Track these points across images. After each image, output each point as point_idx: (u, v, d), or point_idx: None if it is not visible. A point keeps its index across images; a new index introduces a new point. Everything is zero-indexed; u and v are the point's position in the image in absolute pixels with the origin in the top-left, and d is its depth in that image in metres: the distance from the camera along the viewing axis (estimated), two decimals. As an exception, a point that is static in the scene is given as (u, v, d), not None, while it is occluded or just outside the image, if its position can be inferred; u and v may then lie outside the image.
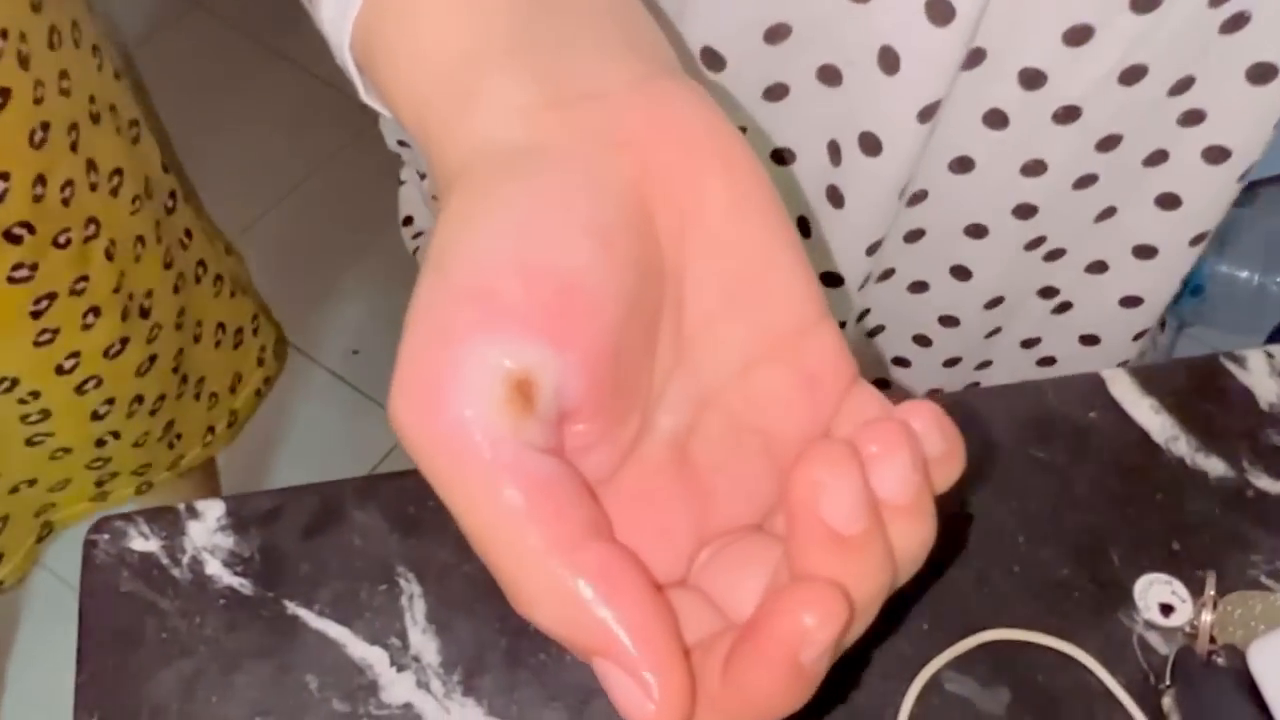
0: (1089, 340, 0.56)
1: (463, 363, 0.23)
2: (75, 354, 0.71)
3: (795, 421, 0.27)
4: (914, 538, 0.23)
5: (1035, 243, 0.51)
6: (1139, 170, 0.47)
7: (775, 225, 0.26)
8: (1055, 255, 0.52)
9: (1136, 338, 0.56)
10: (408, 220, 0.69)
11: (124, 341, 0.74)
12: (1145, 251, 0.50)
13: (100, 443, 0.78)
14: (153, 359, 0.77)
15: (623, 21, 0.28)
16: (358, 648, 0.39)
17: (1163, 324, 0.60)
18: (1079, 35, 0.40)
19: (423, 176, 0.66)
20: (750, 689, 0.22)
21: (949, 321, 0.56)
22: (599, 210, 0.24)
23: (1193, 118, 0.44)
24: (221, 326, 0.87)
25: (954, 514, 0.43)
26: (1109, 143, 0.45)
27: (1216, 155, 0.45)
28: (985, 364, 0.60)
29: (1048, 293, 0.54)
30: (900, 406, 0.24)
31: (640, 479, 0.26)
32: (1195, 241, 0.49)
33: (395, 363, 0.24)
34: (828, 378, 0.27)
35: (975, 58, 0.41)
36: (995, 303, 0.55)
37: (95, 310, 0.70)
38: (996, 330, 0.57)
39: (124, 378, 0.75)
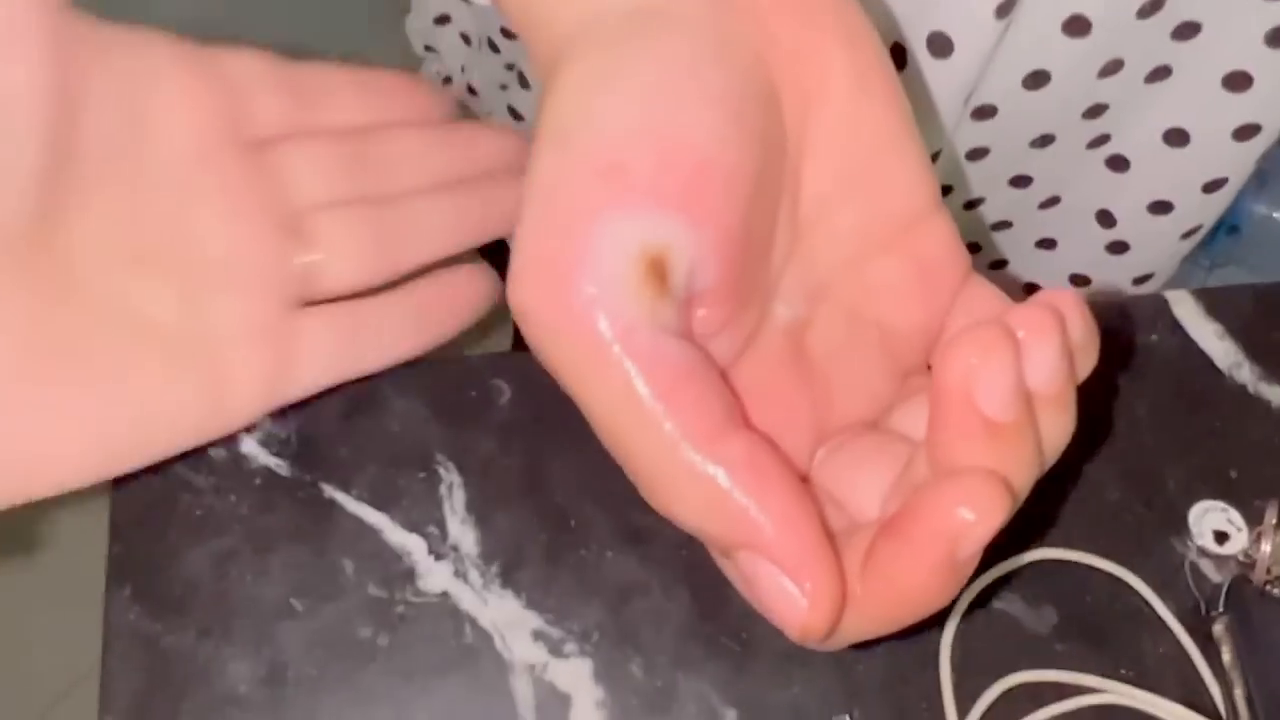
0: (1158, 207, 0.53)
1: (595, 241, 0.21)
2: None
3: (910, 314, 0.26)
4: (1059, 429, 0.23)
5: (1099, 141, 0.49)
6: (1210, 53, 0.44)
7: (895, 106, 0.25)
8: (1118, 162, 0.50)
9: (1185, 236, 0.53)
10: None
11: None
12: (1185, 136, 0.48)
13: None
14: None
15: None
16: (395, 534, 0.38)
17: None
18: None
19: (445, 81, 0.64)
20: (899, 586, 0.21)
21: (1002, 226, 0.55)
22: (729, 81, 0.23)
23: None
24: None
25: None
26: (1187, 30, 0.43)
27: None
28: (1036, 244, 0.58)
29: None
30: (1042, 294, 0.23)
31: (759, 370, 0.25)
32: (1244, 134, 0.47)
33: (514, 244, 0.22)
34: (942, 269, 0.26)
35: None
36: (1051, 202, 0.53)
37: None
38: (1050, 242, 0.56)
39: None
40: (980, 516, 0.20)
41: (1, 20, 0.25)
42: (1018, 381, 0.21)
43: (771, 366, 0.25)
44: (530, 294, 0.22)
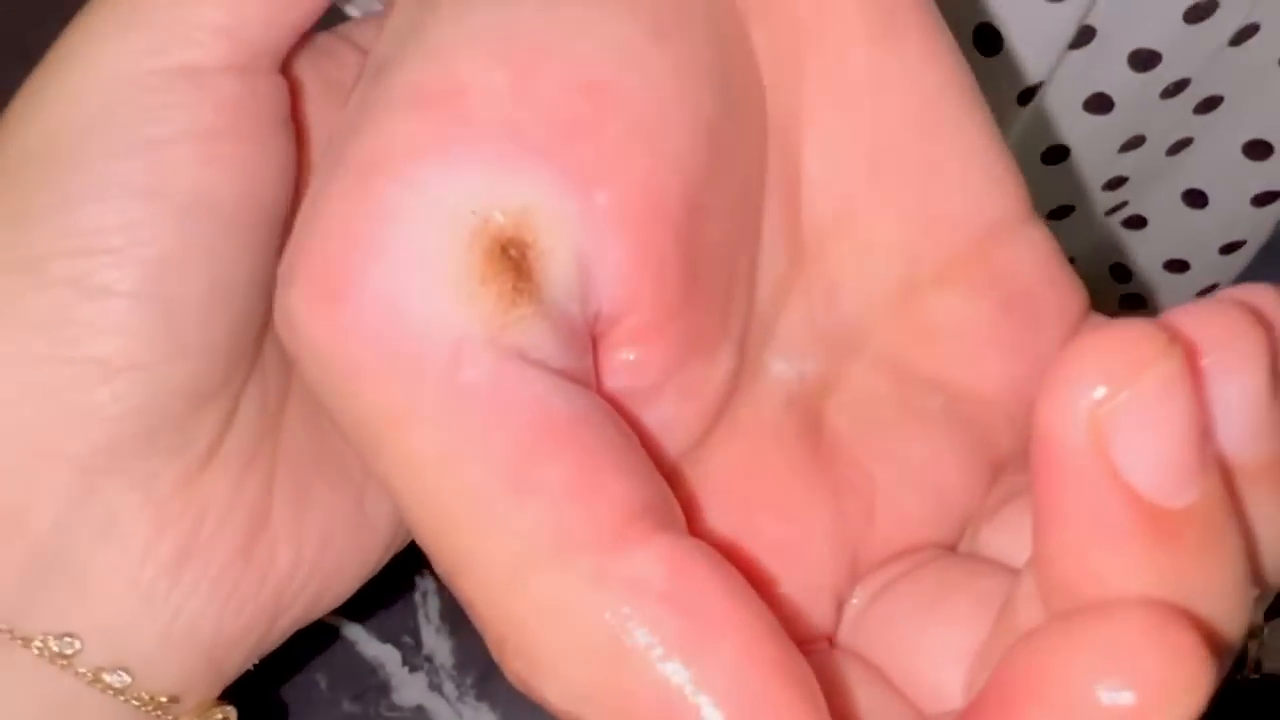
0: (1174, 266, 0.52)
1: (401, 208, 0.13)
2: None
3: (996, 372, 0.17)
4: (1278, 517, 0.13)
5: (1116, 208, 0.49)
6: (1232, 122, 0.44)
7: (944, 60, 0.16)
8: (1136, 220, 0.50)
9: (1201, 293, 0.54)
10: None
11: None
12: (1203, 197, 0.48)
13: None
14: None
15: None
16: (369, 646, 0.38)
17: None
18: (1202, 11, 0.37)
19: None
20: None
21: None
22: None
23: None
24: None
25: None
26: (1210, 103, 0.43)
27: None
28: None
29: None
30: (1230, 292, 0.13)
31: (744, 460, 0.15)
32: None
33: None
34: (1042, 304, 0.17)
35: (1084, 36, 0.38)
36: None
37: None
38: None
39: None
40: (1143, 694, 0.10)
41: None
42: (1198, 435, 0.12)
43: (765, 454, 0.15)
44: (300, 297, 0.13)
